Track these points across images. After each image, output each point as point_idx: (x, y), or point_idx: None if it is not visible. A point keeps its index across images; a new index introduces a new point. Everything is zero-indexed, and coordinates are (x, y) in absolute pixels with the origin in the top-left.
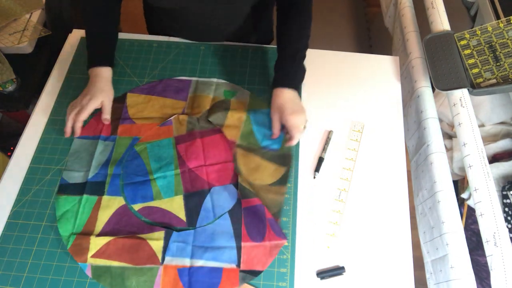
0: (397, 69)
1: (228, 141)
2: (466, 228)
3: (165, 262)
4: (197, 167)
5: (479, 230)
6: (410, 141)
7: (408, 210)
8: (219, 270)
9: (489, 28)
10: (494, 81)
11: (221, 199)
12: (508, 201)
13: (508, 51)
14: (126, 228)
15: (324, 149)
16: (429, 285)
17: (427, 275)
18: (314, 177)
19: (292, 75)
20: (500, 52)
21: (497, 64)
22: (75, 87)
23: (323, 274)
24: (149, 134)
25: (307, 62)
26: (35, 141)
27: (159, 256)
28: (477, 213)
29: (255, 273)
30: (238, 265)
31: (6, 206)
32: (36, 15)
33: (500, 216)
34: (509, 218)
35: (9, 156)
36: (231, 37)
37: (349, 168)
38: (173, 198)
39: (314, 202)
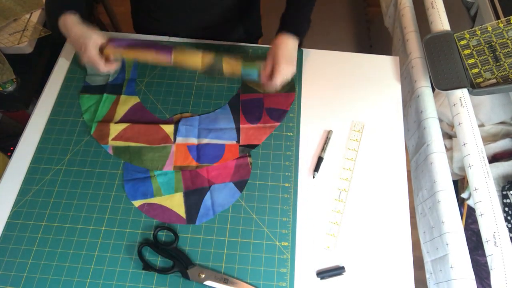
0: (397, 69)
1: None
2: (466, 228)
3: (176, 142)
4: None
5: (479, 230)
6: (410, 141)
7: (408, 210)
8: (221, 146)
9: (489, 28)
10: (494, 81)
11: (221, 197)
12: (508, 201)
13: (508, 51)
14: (141, 119)
15: (323, 149)
16: (429, 285)
17: (427, 275)
18: (314, 177)
19: (296, 24)
20: (500, 52)
21: (497, 64)
22: (75, 87)
23: (323, 274)
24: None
25: (307, 62)
26: (35, 141)
27: (172, 137)
28: (477, 213)
29: (252, 146)
30: (238, 141)
31: (6, 206)
32: (36, 15)
33: (500, 216)
34: (509, 218)
35: (9, 156)
36: (217, 30)
37: (349, 168)
38: (173, 195)
39: (314, 202)
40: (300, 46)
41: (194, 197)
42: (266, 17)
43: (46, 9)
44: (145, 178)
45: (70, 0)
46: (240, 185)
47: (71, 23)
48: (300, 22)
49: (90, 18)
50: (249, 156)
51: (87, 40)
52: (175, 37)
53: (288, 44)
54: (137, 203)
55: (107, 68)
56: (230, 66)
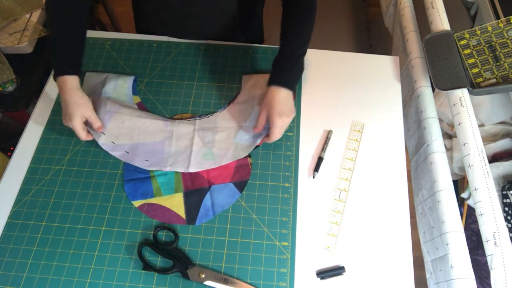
0: (397, 69)
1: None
2: (466, 228)
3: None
4: None
5: (479, 230)
6: (410, 141)
7: (408, 210)
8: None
9: (489, 28)
10: (494, 81)
11: (221, 197)
12: (508, 200)
13: (508, 51)
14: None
15: (323, 149)
16: (429, 285)
17: (427, 275)
18: (314, 177)
19: (286, 74)
20: (500, 52)
21: (497, 64)
22: None
23: (323, 274)
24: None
25: (307, 62)
26: (35, 141)
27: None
28: (477, 212)
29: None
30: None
31: (6, 206)
32: (36, 15)
33: (500, 216)
34: (509, 217)
35: (9, 156)
36: (218, 39)
37: (349, 168)
38: (173, 195)
39: (314, 202)
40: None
41: (194, 197)
42: (268, 22)
43: (46, 9)
44: (145, 178)
45: (73, 56)
46: (240, 185)
47: (69, 87)
48: (291, 74)
49: (90, 18)
50: (249, 156)
51: (76, 112)
52: (174, 38)
53: (280, 96)
54: (137, 203)
55: (88, 138)
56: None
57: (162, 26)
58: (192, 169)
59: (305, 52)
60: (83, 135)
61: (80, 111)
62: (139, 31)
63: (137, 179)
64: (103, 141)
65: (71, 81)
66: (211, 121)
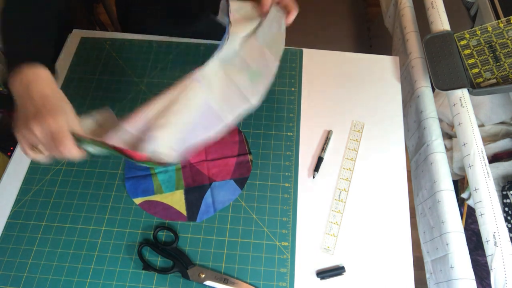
0: (397, 69)
1: (232, 135)
2: (466, 228)
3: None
4: (198, 162)
5: (479, 230)
6: (410, 141)
7: (408, 210)
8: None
9: (489, 28)
10: (494, 81)
11: (222, 194)
12: (508, 201)
13: (508, 51)
14: None
15: (323, 149)
16: (429, 285)
17: (427, 275)
18: (314, 177)
19: None
20: (500, 52)
21: (497, 64)
22: (75, 87)
23: (323, 274)
24: None
25: (307, 62)
26: None
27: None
28: (477, 213)
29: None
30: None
31: (6, 206)
32: None
33: (500, 216)
34: (509, 218)
35: (9, 156)
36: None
37: (349, 168)
38: (174, 192)
39: (314, 202)
40: None
41: (194, 194)
42: None
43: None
44: (146, 176)
45: (35, 43)
46: (241, 182)
47: (41, 81)
48: None
49: (90, 18)
50: (250, 153)
51: (60, 114)
52: (163, 36)
53: None
54: (138, 200)
55: (79, 154)
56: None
57: (147, 29)
58: (255, 100)
59: None
60: (73, 149)
61: (68, 108)
62: (124, 24)
63: (138, 176)
64: (163, 151)
65: (45, 73)
66: (224, 49)
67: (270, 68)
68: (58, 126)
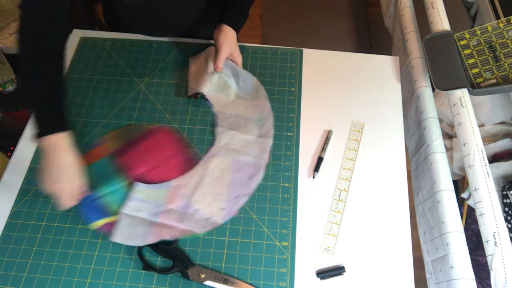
0: (397, 69)
1: (172, 135)
2: (466, 228)
3: None
4: (145, 172)
5: (479, 230)
6: (410, 141)
7: (408, 210)
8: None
9: (489, 28)
10: (494, 81)
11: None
12: (508, 201)
13: (508, 51)
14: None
15: (323, 149)
16: (429, 285)
17: (427, 275)
18: (314, 177)
19: (239, 17)
20: (500, 52)
21: (497, 64)
22: (75, 87)
23: (323, 274)
24: (85, 159)
25: (307, 62)
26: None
27: None
28: (477, 213)
29: None
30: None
31: (6, 206)
32: None
33: (500, 216)
34: (509, 218)
35: (9, 156)
36: (193, 36)
37: (349, 168)
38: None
39: (314, 202)
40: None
41: None
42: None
43: (20, 58)
44: (96, 200)
45: (61, 109)
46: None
47: (63, 148)
48: (242, 19)
49: (90, 18)
50: (191, 147)
51: (68, 184)
52: (153, 36)
53: (234, 34)
54: (100, 222)
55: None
56: None
57: (133, 26)
58: (272, 132)
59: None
60: (71, 200)
61: (76, 183)
62: (110, 23)
63: (89, 202)
64: (210, 215)
65: (66, 140)
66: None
67: (267, 108)
68: (70, 190)
